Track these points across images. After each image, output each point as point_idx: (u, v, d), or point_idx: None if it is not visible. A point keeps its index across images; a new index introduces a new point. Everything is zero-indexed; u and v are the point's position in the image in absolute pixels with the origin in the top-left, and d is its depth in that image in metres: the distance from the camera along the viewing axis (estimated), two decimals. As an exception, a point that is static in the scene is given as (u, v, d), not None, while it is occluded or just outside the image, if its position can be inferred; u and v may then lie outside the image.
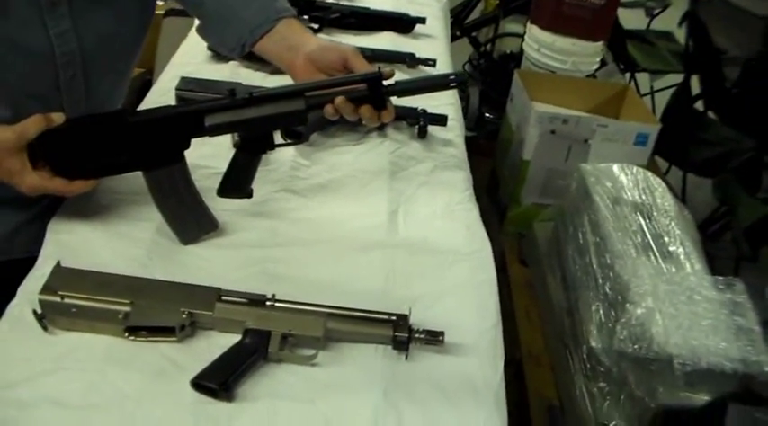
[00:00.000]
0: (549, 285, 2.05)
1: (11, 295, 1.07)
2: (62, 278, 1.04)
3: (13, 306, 1.05)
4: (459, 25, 3.51)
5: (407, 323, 1.02)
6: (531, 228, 2.26)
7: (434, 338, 1.01)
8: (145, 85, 1.75)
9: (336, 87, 1.19)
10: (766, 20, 2.52)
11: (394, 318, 1.02)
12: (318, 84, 1.20)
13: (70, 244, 1.17)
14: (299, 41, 1.33)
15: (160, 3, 1.76)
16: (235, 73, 1.67)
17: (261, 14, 1.35)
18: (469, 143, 2.97)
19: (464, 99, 3.45)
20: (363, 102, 1.20)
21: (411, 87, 1.25)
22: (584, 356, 1.71)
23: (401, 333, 1.01)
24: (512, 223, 2.43)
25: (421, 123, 1.51)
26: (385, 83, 1.21)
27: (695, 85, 3.03)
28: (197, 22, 1.45)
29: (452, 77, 1.26)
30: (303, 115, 1.17)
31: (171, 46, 1.92)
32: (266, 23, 1.34)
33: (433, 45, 2.02)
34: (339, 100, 1.18)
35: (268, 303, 1.03)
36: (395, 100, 1.27)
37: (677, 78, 3.12)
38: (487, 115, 3.24)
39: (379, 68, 1.21)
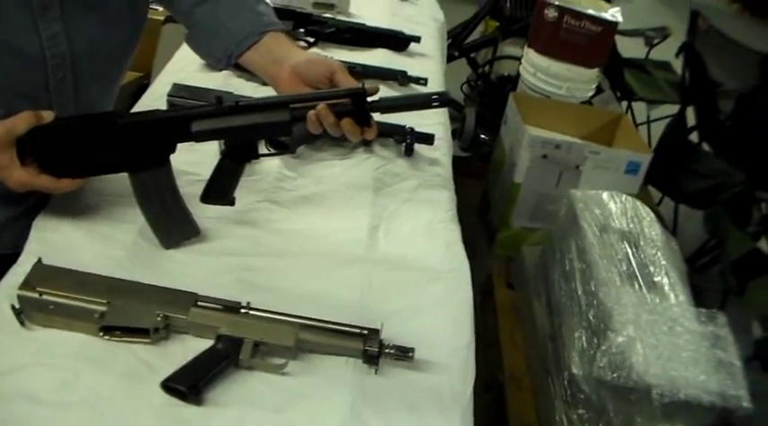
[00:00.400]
0: (534, 309, 2.06)
1: None
2: (42, 275, 1.04)
3: (-8, 300, 1.06)
4: (458, 46, 3.54)
5: (378, 337, 1.02)
6: (520, 252, 2.27)
7: (404, 354, 1.02)
8: (141, 90, 1.76)
9: (321, 100, 1.21)
10: (761, 54, 2.55)
11: (365, 332, 1.02)
12: (304, 96, 1.21)
13: (54, 242, 1.17)
14: (284, 54, 1.33)
15: (159, 9, 1.76)
16: (227, 82, 1.68)
17: (248, 26, 1.35)
18: (463, 164, 2.98)
19: (460, 119, 3.48)
20: (347, 116, 1.21)
21: (394, 104, 1.27)
22: (565, 382, 1.72)
23: (371, 347, 1.01)
24: (501, 246, 2.45)
25: (408, 141, 1.52)
26: (369, 99, 1.22)
27: (691, 116, 3.05)
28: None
29: (435, 97, 1.27)
30: (288, 126, 1.18)
31: (169, 52, 1.93)
32: (252, 35, 1.35)
33: (427, 64, 2.03)
34: (321, 106, 1.19)
35: (242, 310, 1.04)
36: (384, 117, 1.29)
37: (674, 108, 3.15)
38: (483, 136, 3.26)
39: (363, 84, 1.22)
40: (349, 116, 1.21)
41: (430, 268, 1.25)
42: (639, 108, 3.52)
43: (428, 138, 1.55)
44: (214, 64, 1.45)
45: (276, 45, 1.35)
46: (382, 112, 1.24)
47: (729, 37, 2.81)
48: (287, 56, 1.33)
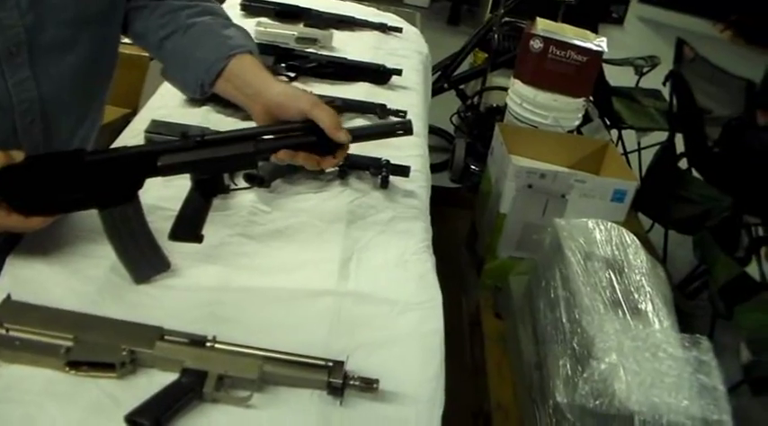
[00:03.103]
0: (520, 338, 2.06)
1: None
2: (9, 311, 1.05)
3: (-40, 336, 1.07)
4: (447, 78, 3.56)
5: (343, 369, 1.03)
6: (507, 282, 2.27)
7: (369, 385, 1.02)
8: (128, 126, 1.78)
9: (284, 132, 1.23)
10: (746, 81, 2.57)
11: (330, 364, 1.03)
12: (269, 129, 1.22)
13: (26, 278, 1.18)
14: (256, 89, 1.30)
15: (127, 41, 1.72)
16: (206, 118, 1.69)
17: (214, 52, 1.33)
18: (453, 195, 2.99)
19: (450, 151, 3.50)
20: (312, 148, 1.23)
21: (359, 134, 1.29)
22: (551, 410, 1.72)
23: (335, 379, 1.02)
24: (488, 276, 2.44)
25: (383, 173, 1.53)
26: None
27: (680, 143, 3.07)
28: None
29: (399, 125, 1.30)
30: (252, 158, 1.20)
31: (156, 88, 1.95)
32: (219, 62, 1.32)
33: (408, 97, 2.05)
34: (280, 154, 1.21)
35: (208, 344, 1.04)
36: (360, 150, 1.29)
37: (664, 136, 3.16)
38: (473, 167, 3.28)
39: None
40: (315, 148, 1.22)
41: (401, 300, 1.25)
42: (631, 136, 3.53)
43: (404, 171, 1.57)
44: (191, 95, 1.44)
45: (243, 72, 1.32)
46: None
47: (715, 65, 2.83)
48: (258, 90, 1.29)
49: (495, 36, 3.42)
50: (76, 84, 1.27)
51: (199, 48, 1.34)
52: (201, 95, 1.38)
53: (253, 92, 1.30)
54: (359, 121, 1.81)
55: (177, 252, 1.25)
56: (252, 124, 1.30)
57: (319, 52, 2.10)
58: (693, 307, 2.64)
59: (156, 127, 1.56)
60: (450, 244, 2.66)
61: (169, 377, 1.02)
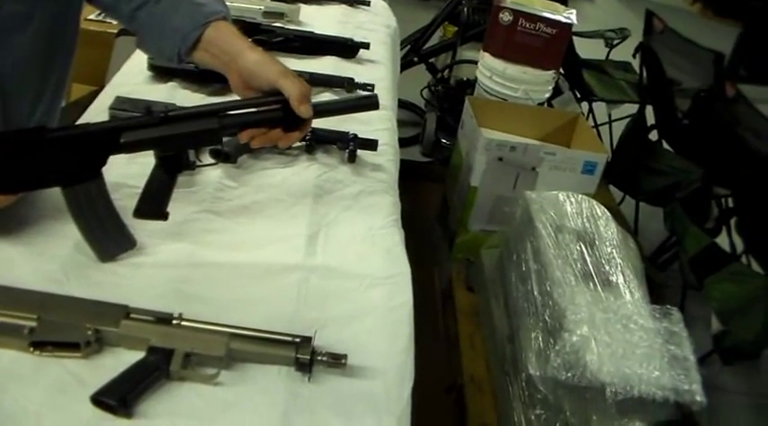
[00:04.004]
0: (492, 311, 2.07)
1: None
2: (-29, 292, 1.04)
3: None
4: (417, 51, 3.54)
5: (310, 345, 1.02)
6: (479, 255, 2.28)
7: (337, 361, 1.01)
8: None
9: (251, 108, 1.21)
10: (715, 53, 2.57)
11: (297, 340, 1.02)
12: (233, 104, 1.21)
13: (-11, 259, 1.17)
14: (232, 56, 1.28)
15: (113, 23, 1.71)
16: (171, 94, 1.67)
17: (188, 21, 1.30)
18: (425, 168, 2.99)
19: (421, 125, 3.49)
20: (278, 123, 1.21)
21: (325, 109, 1.28)
22: (523, 383, 1.73)
23: (303, 355, 1.01)
24: (460, 249, 2.45)
25: (351, 147, 1.52)
26: None
27: (651, 115, 3.07)
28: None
29: (365, 100, 1.30)
30: (216, 134, 1.18)
31: (122, 65, 1.92)
32: (195, 30, 1.29)
33: (376, 70, 2.03)
34: (243, 134, 1.21)
35: (174, 321, 1.03)
36: (327, 125, 1.27)
37: (635, 108, 3.17)
38: (444, 141, 3.27)
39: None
40: (279, 122, 1.21)
41: (368, 274, 1.24)
42: (601, 108, 3.54)
43: (371, 144, 1.55)
44: (170, 63, 1.41)
45: (220, 39, 1.30)
46: (314, 117, 1.24)
47: (685, 37, 2.83)
48: (233, 57, 1.27)
49: (465, 9, 3.40)
50: (35, 59, 1.25)
51: (173, 17, 1.31)
52: (179, 64, 1.36)
53: (228, 59, 1.28)
54: (327, 95, 1.79)
55: (143, 229, 1.24)
56: (219, 98, 1.28)
57: (286, 26, 2.08)
58: (664, 279, 2.66)
59: (121, 103, 1.54)
60: (421, 218, 2.67)
61: (135, 356, 1.01)
